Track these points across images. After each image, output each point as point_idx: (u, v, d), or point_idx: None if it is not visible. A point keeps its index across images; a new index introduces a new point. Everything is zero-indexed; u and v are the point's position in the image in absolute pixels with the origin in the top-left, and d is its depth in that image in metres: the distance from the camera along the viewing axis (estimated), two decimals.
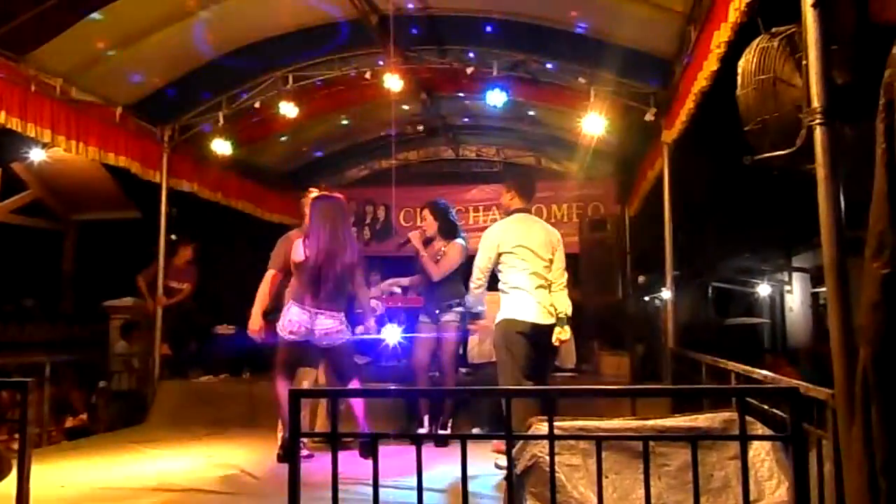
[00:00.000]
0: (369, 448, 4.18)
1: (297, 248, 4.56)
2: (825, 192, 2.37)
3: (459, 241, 5.21)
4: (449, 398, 4.96)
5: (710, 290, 14.06)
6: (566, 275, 4.64)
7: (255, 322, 4.74)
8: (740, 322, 13.82)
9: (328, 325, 4.45)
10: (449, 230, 5.23)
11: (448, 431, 4.78)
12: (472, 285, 4.59)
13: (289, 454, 4.26)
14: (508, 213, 4.79)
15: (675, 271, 6.39)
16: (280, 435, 4.64)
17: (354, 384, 4.61)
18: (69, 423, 6.95)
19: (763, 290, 14.45)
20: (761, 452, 2.64)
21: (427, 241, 5.32)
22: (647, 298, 12.11)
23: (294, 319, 4.45)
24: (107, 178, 9.86)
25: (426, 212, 5.31)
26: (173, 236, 7.92)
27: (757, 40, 2.85)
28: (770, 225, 10.95)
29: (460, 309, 5.05)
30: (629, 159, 8.30)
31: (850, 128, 2.55)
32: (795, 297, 13.62)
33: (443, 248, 5.27)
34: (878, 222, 1.51)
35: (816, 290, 12.33)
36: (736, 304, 14.70)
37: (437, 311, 5.15)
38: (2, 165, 10.06)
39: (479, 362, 6.93)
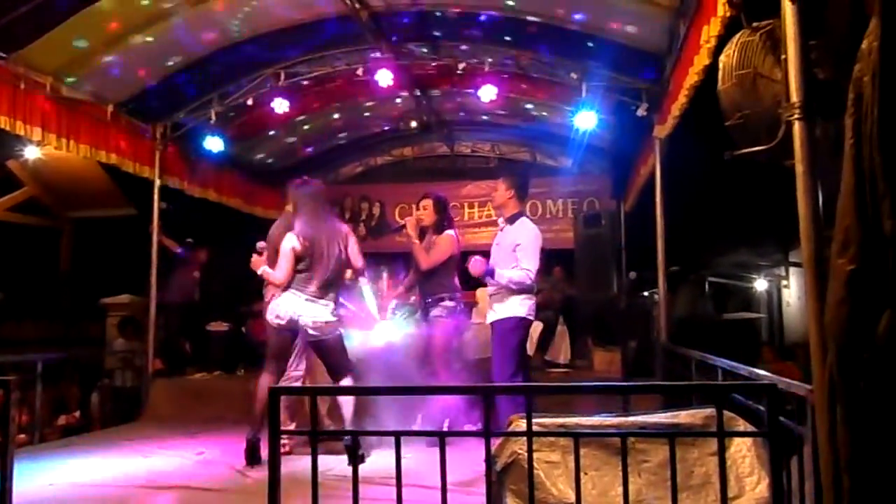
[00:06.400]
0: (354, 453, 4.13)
1: (290, 238, 4.45)
2: (803, 188, 2.37)
3: (450, 232, 5.09)
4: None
5: (707, 286, 14.02)
6: None
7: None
8: (738, 317, 13.78)
9: (319, 314, 4.39)
10: (442, 225, 5.14)
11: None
12: (529, 275, 4.47)
13: (253, 455, 4.27)
14: (511, 214, 4.68)
15: (673, 267, 6.37)
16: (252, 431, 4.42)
17: (348, 381, 4.46)
18: (62, 421, 6.94)
19: (760, 284, 14.39)
20: (742, 448, 2.64)
21: (421, 232, 5.19)
22: (643, 294, 12.08)
23: (283, 304, 4.40)
24: (102, 175, 9.87)
25: (428, 202, 5.11)
26: (189, 240, 8.05)
27: (738, 35, 2.84)
28: (766, 219, 10.92)
29: (450, 304, 4.99)
30: (624, 154, 8.28)
31: (831, 124, 2.54)
32: (792, 292, 13.59)
33: (434, 239, 5.16)
34: (845, 218, 1.50)
35: None
36: (733, 300, 14.66)
37: (425, 306, 5.08)
38: None
39: (473, 358, 6.93)
